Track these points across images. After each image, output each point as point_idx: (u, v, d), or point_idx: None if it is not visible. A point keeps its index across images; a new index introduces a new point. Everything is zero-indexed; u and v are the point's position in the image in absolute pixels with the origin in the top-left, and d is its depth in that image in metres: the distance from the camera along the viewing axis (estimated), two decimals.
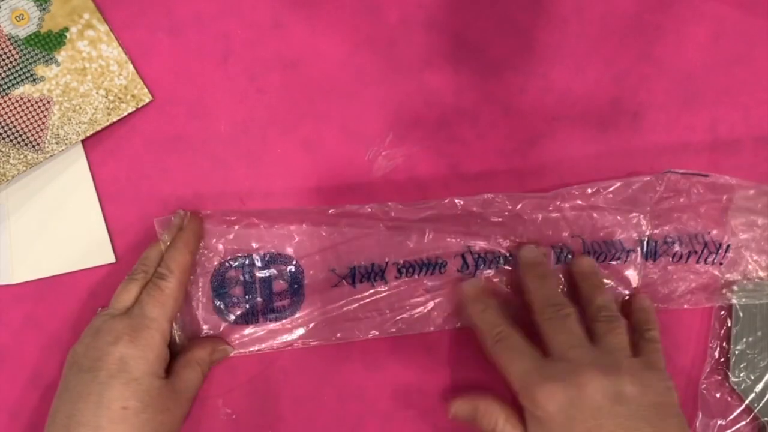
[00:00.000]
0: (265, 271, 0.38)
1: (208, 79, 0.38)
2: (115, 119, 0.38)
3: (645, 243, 0.39)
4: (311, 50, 0.38)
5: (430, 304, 0.39)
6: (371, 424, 0.39)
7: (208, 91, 0.38)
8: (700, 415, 0.39)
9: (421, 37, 0.39)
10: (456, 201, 0.38)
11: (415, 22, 0.38)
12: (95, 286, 0.38)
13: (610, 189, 0.38)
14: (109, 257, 0.38)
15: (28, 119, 0.37)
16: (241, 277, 0.38)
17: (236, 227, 0.38)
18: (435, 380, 0.39)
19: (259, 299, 0.38)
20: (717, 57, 0.39)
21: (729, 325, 0.39)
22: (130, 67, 0.38)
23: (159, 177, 0.38)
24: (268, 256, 0.38)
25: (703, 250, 0.39)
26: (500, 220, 0.38)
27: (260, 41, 0.38)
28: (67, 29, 0.37)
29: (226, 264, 0.38)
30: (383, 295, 0.38)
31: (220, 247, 0.38)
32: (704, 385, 0.39)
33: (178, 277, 0.35)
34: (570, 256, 0.39)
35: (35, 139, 0.37)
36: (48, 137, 0.37)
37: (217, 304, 0.38)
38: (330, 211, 0.38)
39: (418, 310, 0.39)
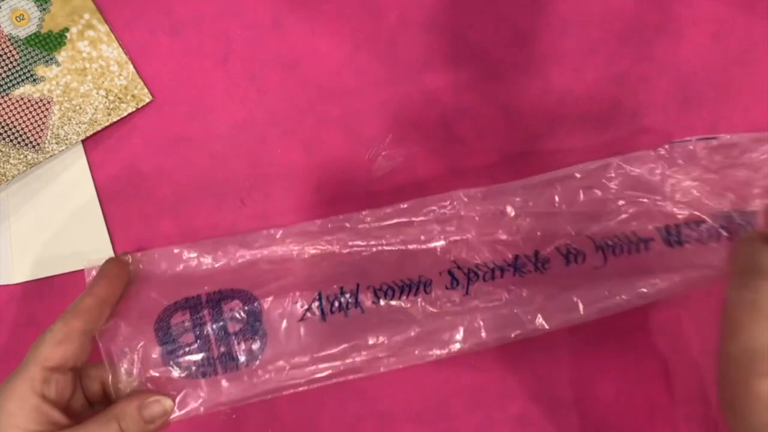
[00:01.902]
0: (217, 311, 0.34)
1: (208, 79, 0.38)
2: (115, 119, 0.38)
3: (664, 229, 0.35)
4: (311, 50, 0.38)
5: (417, 332, 0.34)
6: (371, 424, 0.39)
7: (208, 91, 0.38)
8: None
9: (421, 37, 0.39)
10: (426, 205, 0.34)
11: (415, 22, 0.39)
12: None
13: (608, 174, 0.35)
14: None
15: (29, 119, 0.37)
16: (189, 321, 0.33)
17: (181, 266, 0.35)
18: (434, 380, 0.39)
19: (213, 345, 0.33)
20: (717, 57, 0.39)
21: None
22: (130, 67, 0.38)
23: (159, 177, 0.38)
24: (218, 293, 0.34)
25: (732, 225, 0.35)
26: (481, 220, 0.35)
27: (260, 41, 0.38)
28: (67, 29, 0.37)
29: (171, 307, 0.34)
30: (360, 324, 0.34)
31: (164, 289, 0.34)
32: None
33: (65, 319, 0.31)
34: (581, 258, 0.35)
35: (35, 139, 0.37)
36: (48, 137, 0.37)
37: (166, 357, 0.33)
38: (279, 234, 0.35)
39: (403, 339, 0.34)
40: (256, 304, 0.34)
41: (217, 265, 0.35)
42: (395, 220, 0.35)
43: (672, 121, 0.39)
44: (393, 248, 0.35)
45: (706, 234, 0.35)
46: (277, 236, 0.35)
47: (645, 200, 0.35)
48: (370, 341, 0.34)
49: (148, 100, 0.38)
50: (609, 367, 0.39)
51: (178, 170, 0.38)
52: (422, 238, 0.35)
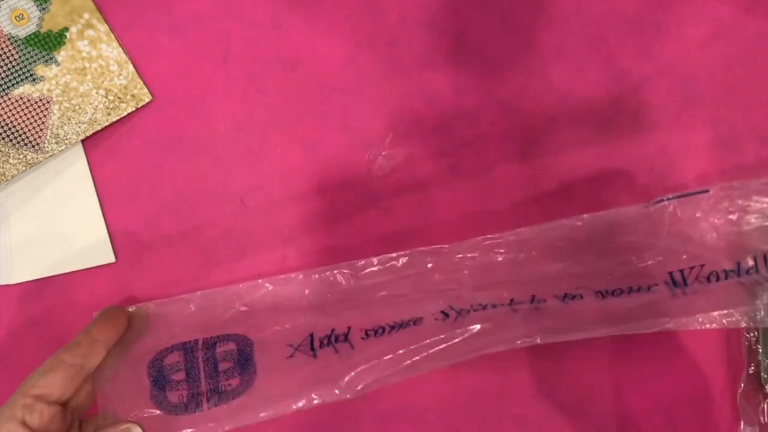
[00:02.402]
0: (211, 352, 0.35)
1: (208, 79, 0.38)
2: (115, 119, 0.38)
3: (671, 275, 0.34)
4: (311, 50, 0.38)
5: (406, 354, 0.34)
6: (371, 424, 0.39)
7: (208, 91, 0.38)
8: (742, 424, 0.39)
9: (421, 37, 0.39)
10: (421, 257, 0.34)
11: (415, 22, 0.38)
12: (95, 286, 0.38)
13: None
14: (109, 257, 0.38)
15: (28, 119, 0.37)
16: (182, 362, 0.35)
17: (184, 313, 0.36)
18: (434, 380, 0.39)
19: (203, 383, 0.34)
20: (717, 57, 0.39)
21: (757, 335, 0.39)
22: (130, 67, 0.38)
23: (159, 177, 0.38)
24: (215, 337, 0.35)
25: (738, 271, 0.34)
26: (476, 271, 0.34)
27: (260, 41, 0.38)
28: (66, 29, 0.37)
29: (168, 349, 0.35)
30: (346, 357, 0.34)
31: (164, 334, 0.35)
32: (741, 397, 0.39)
33: (56, 352, 0.32)
34: (579, 298, 0.34)
35: (35, 139, 0.37)
36: (48, 137, 0.37)
37: (155, 394, 0.34)
38: (279, 282, 0.36)
39: (390, 362, 0.34)
40: (249, 345, 0.35)
41: (217, 312, 0.36)
42: (389, 264, 0.36)
43: (673, 121, 0.39)
44: (387, 295, 0.36)
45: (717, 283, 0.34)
46: (276, 284, 0.36)
47: (647, 254, 0.35)
48: (357, 371, 0.34)
49: (148, 100, 0.38)
50: (609, 367, 0.39)
51: (178, 170, 0.38)
52: (417, 286, 0.36)
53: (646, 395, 0.40)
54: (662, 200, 0.35)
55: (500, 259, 0.36)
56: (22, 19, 0.37)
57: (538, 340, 0.35)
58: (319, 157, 0.39)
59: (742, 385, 0.39)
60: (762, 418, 0.39)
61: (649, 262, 0.35)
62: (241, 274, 0.38)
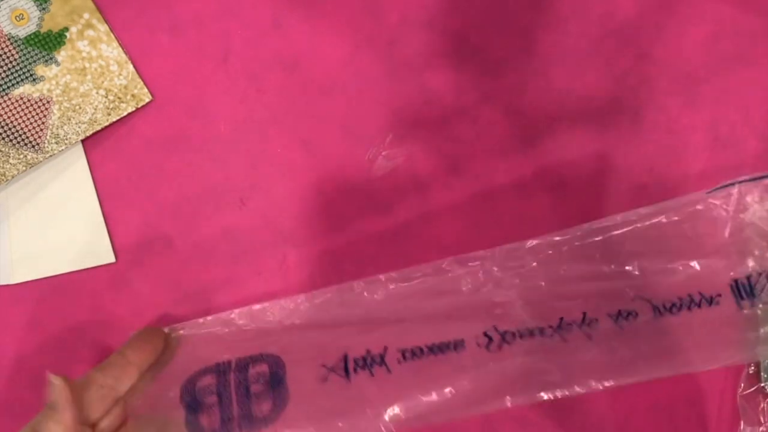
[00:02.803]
0: (243, 375, 0.34)
1: (208, 79, 0.38)
2: (115, 119, 0.38)
3: (736, 282, 0.31)
4: (311, 50, 0.38)
5: (447, 391, 0.33)
6: None
7: (208, 91, 0.38)
8: (742, 424, 0.39)
9: (421, 37, 0.39)
10: (462, 264, 0.33)
11: (415, 22, 0.39)
12: (95, 286, 0.38)
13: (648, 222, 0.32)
14: (109, 257, 0.38)
15: (28, 119, 0.37)
16: (215, 385, 0.34)
17: (217, 332, 0.35)
18: None
19: (235, 408, 0.33)
20: (717, 57, 0.39)
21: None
22: (130, 67, 0.38)
23: (159, 177, 0.38)
24: (248, 358, 0.34)
25: None
26: (522, 280, 0.33)
27: (260, 41, 0.38)
28: (67, 29, 0.37)
29: (201, 372, 0.34)
30: (382, 383, 0.33)
31: (198, 354, 0.35)
32: (741, 397, 0.39)
33: (90, 372, 0.32)
34: (633, 316, 0.32)
35: (35, 139, 0.37)
36: (48, 137, 0.37)
37: (189, 419, 0.33)
38: (312, 300, 0.35)
39: (429, 398, 0.33)
40: (281, 366, 0.34)
41: (250, 331, 0.35)
42: (429, 280, 0.34)
43: (673, 121, 0.39)
44: (426, 311, 0.34)
45: None
46: (313, 302, 0.35)
47: (708, 251, 0.32)
48: (394, 403, 0.33)
49: (147, 100, 0.38)
50: None
51: (178, 170, 0.38)
52: (457, 299, 0.34)
53: (646, 395, 0.40)
54: (726, 185, 0.32)
55: (545, 266, 0.33)
56: (22, 19, 0.37)
57: (591, 385, 0.32)
58: (319, 157, 0.39)
59: (742, 385, 0.39)
60: (762, 419, 0.39)
61: (711, 261, 0.32)
62: (242, 274, 0.38)
